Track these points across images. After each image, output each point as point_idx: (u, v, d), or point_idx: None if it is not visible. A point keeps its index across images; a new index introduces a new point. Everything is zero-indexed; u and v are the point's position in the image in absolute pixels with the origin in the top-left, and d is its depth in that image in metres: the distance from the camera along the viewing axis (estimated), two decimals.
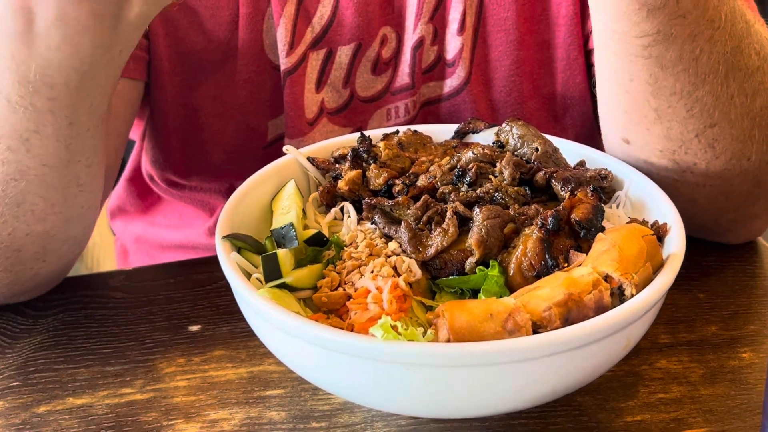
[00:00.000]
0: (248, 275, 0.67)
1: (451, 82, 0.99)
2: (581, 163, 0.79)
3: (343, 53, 0.96)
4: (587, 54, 0.99)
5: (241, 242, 0.70)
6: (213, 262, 0.87)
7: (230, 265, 0.65)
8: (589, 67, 0.99)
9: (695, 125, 0.76)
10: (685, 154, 0.78)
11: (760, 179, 0.81)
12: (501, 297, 0.63)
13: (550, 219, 0.67)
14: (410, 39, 0.97)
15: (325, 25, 0.95)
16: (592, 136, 1.04)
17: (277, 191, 0.77)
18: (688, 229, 0.70)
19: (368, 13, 0.96)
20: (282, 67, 0.95)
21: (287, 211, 0.74)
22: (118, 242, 1.24)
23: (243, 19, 0.94)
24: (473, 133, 0.85)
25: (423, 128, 0.85)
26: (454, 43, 0.98)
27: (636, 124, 0.79)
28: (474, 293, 0.66)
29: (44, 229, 0.73)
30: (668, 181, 0.80)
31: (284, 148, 0.80)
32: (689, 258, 0.66)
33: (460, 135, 0.85)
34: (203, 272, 0.88)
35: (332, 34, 0.96)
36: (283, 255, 0.68)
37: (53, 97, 0.65)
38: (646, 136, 0.79)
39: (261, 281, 0.67)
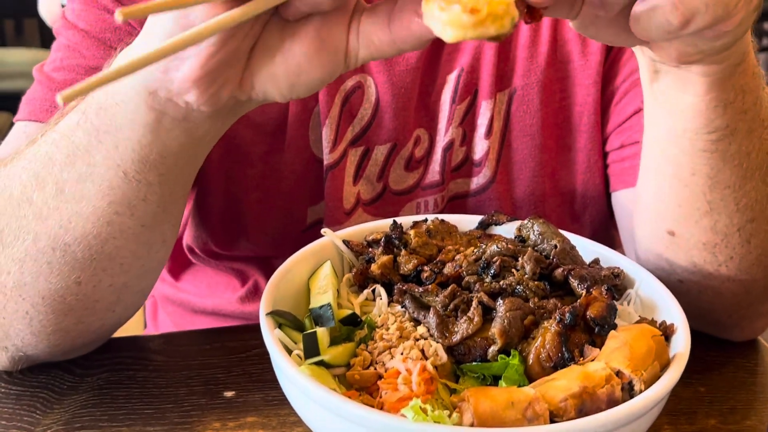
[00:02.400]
0: (288, 350, 0.73)
1: (477, 181, 1.06)
2: (596, 261, 0.86)
3: (380, 151, 1.03)
4: (604, 156, 1.05)
5: (281, 318, 0.76)
6: (246, 330, 0.94)
7: (274, 342, 0.71)
8: (604, 167, 1.06)
9: (739, 219, 0.82)
10: (725, 248, 0.83)
11: None
12: (521, 385, 0.69)
13: (567, 314, 0.73)
14: (441, 140, 1.04)
15: (365, 126, 1.02)
16: (607, 233, 1.10)
17: (314, 270, 0.84)
18: (698, 323, 0.75)
19: (405, 116, 1.02)
20: (325, 162, 1.01)
21: (324, 291, 0.80)
22: (150, 300, 1.29)
23: (292, 116, 1.00)
24: (495, 225, 0.92)
25: (449, 218, 0.92)
26: (481, 146, 1.04)
27: (686, 217, 0.84)
28: (495, 379, 0.72)
29: (124, 280, 0.80)
30: (703, 273, 0.85)
31: (322, 231, 0.86)
32: (692, 352, 0.71)
33: (483, 226, 0.92)
34: (237, 340, 0.93)
35: (371, 134, 1.02)
36: (321, 334, 0.74)
37: (164, 173, 0.74)
38: (693, 229, 0.84)
39: (300, 357, 0.73)
